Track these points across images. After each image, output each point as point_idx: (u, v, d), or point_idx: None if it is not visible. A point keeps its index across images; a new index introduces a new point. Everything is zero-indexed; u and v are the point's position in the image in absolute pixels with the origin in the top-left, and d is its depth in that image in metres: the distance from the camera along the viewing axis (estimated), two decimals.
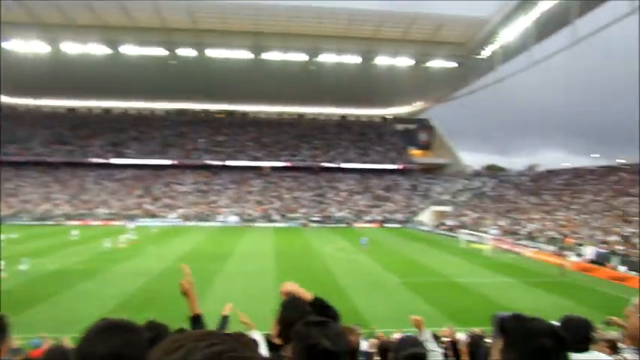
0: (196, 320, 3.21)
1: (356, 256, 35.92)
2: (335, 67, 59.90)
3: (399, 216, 64.51)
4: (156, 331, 2.70)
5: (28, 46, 55.54)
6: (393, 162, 77.81)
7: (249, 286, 24.00)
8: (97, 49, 56.36)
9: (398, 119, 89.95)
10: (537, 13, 42.78)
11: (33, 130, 78.01)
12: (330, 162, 75.96)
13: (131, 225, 49.82)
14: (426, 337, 3.90)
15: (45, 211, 60.41)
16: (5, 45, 54.43)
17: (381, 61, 57.77)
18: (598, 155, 67.34)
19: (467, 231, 47.67)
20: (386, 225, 61.75)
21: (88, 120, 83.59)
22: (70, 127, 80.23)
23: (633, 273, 27.68)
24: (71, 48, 55.76)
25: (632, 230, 33.66)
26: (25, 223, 55.80)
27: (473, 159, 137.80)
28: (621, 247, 31.99)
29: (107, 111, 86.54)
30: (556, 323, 1.48)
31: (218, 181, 71.75)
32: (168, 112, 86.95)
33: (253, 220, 61.15)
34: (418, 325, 3.98)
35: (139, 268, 28.20)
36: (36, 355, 8.54)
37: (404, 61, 57.61)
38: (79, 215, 59.36)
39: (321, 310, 2.81)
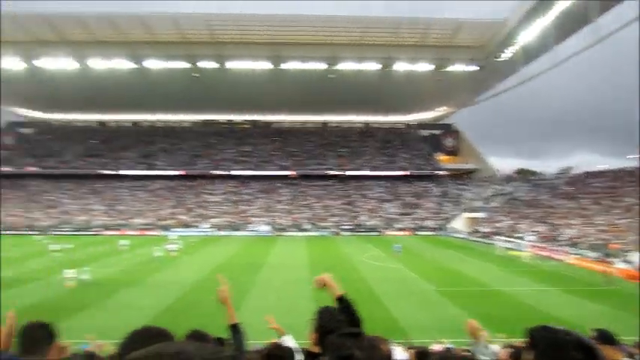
0: (235, 329, 3.24)
1: (390, 264, 35.41)
2: (355, 75, 59.74)
3: (430, 223, 63.55)
4: (200, 340, 2.83)
5: (57, 64, 57.20)
6: (419, 168, 76.90)
7: (284, 297, 23.75)
8: (123, 64, 57.68)
9: (422, 125, 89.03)
10: (556, 13, 41.81)
11: (66, 143, 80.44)
12: (357, 170, 75.52)
13: (174, 235, 49.65)
14: (480, 347, 3.65)
15: (84, 221, 62.01)
16: (36, 63, 56.41)
17: (401, 67, 57.26)
18: (637, 156, 64.75)
19: (503, 238, 46.55)
20: (418, 233, 60.86)
21: (118, 133, 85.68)
22: (101, 141, 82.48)
23: None
24: (98, 64, 57.13)
25: None
26: (66, 233, 57.61)
27: (502, 164, 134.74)
28: None
29: (136, 124, 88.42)
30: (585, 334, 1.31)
31: (247, 191, 72.26)
32: (194, 123, 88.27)
33: (284, 229, 61.21)
34: (474, 331, 3.72)
35: (175, 279, 28.40)
36: None
37: (423, 67, 57.02)
38: (116, 225, 60.75)
39: (346, 309, 2.93)
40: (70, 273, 25.97)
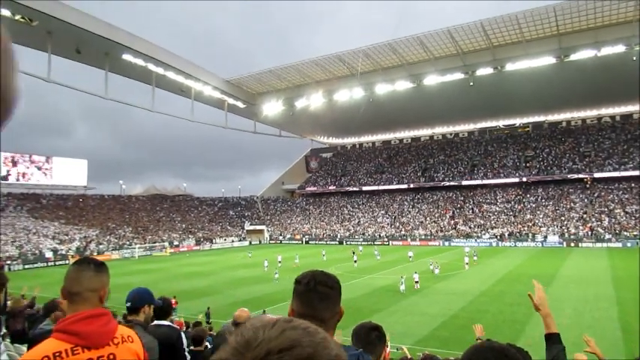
0: (551, 339, 2.78)
1: None
2: None
3: None
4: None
5: (347, 95, 65.15)
6: None
7: (582, 315, 21.19)
8: (403, 86, 61.79)
9: None
10: None
11: (357, 163, 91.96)
12: None
13: (467, 248, 47.94)
14: None
15: (373, 232, 69.36)
16: (335, 96, 65.82)
17: None
18: None
19: None
20: None
21: (400, 150, 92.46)
22: (385, 158, 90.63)
23: None
24: (381, 89, 62.74)
25: None
26: (360, 243, 65.23)
27: None
28: None
29: (415, 139, 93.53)
30: None
31: (532, 198, 67.14)
32: (471, 133, 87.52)
33: (578, 240, 54.31)
34: None
35: (459, 289, 28.50)
36: None
37: None
38: (400, 236, 65.61)
39: None
40: (402, 279, 28.22)
